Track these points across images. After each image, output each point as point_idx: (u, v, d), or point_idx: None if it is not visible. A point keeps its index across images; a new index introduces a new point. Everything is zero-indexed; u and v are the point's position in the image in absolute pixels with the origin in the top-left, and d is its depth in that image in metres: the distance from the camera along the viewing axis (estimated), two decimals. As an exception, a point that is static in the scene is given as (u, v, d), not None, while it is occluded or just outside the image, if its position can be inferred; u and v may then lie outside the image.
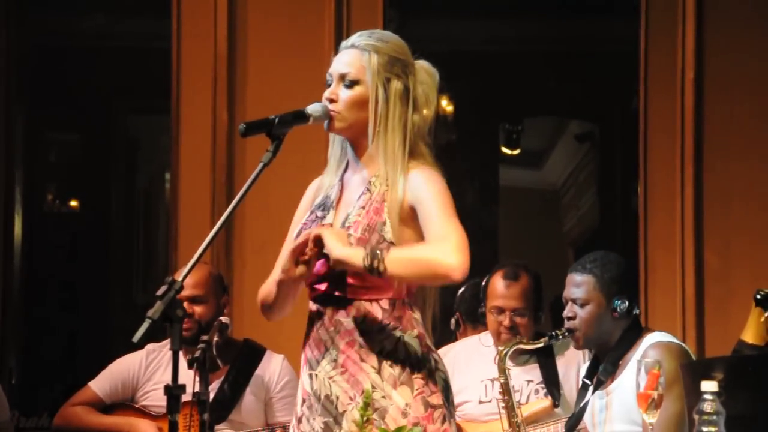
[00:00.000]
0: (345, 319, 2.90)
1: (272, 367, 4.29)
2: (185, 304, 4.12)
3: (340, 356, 2.90)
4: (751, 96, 5.06)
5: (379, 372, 2.88)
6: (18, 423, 4.46)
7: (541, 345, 3.92)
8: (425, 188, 2.87)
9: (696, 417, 2.80)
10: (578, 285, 3.70)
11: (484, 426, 4.20)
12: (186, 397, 2.74)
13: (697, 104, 5.04)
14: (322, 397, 2.91)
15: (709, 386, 2.79)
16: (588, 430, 3.78)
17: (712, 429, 2.77)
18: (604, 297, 3.68)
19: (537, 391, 4.25)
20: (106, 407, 4.27)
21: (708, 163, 5.04)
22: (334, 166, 3.04)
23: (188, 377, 2.97)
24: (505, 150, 7.90)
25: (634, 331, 3.70)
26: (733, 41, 5.07)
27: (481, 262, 4.70)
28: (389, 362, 2.88)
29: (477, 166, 7.52)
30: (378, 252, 2.78)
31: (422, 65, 3.00)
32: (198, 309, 4.14)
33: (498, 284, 4.27)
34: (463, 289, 4.83)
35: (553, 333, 3.78)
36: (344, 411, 2.89)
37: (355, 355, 2.89)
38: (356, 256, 2.79)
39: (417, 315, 2.94)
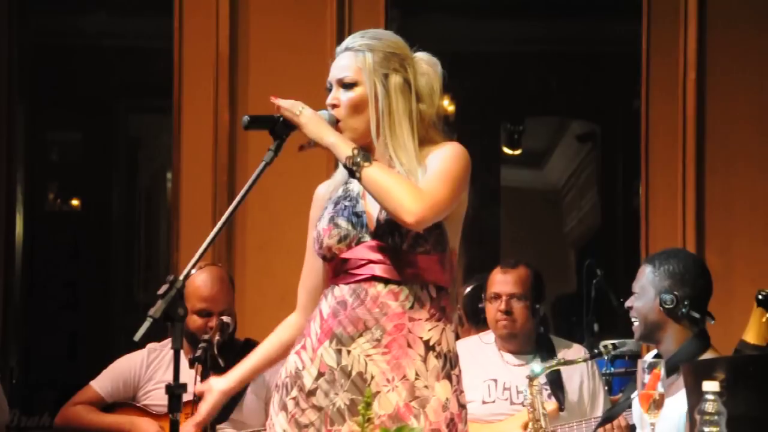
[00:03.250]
0: (393, 302, 2.87)
1: (274, 366, 4.29)
2: (214, 319, 4.12)
3: (385, 337, 2.86)
4: (753, 97, 5.06)
5: (424, 361, 2.86)
6: (19, 422, 4.46)
7: (581, 361, 3.88)
8: (436, 155, 2.88)
9: (697, 417, 2.79)
10: (639, 276, 3.60)
11: (488, 427, 4.19)
12: (187, 396, 2.74)
13: (698, 105, 5.04)
14: (354, 373, 2.85)
15: (710, 386, 2.79)
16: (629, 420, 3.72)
17: (714, 429, 2.76)
18: (654, 289, 3.54)
19: (540, 392, 4.25)
20: (107, 406, 4.27)
21: (709, 163, 5.04)
22: (341, 169, 3.02)
23: (189, 376, 2.98)
24: (506, 150, 7.92)
25: (696, 343, 3.53)
26: (735, 42, 5.07)
27: (483, 263, 4.72)
28: (434, 353, 2.86)
29: (478, 166, 7.51)
30: (363, 159, 2.81)
31: (422, 57, 2.99)
32: (225, 319, 4.12)
33: (496, 273, 4.32)
34: (469, 288, 4.83)
35: (597, 350, 3.72)
36: (378, 392, 2.84)
37: (402, 340, 2.86)
38: (344, 149, 2.83)
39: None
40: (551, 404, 4.15)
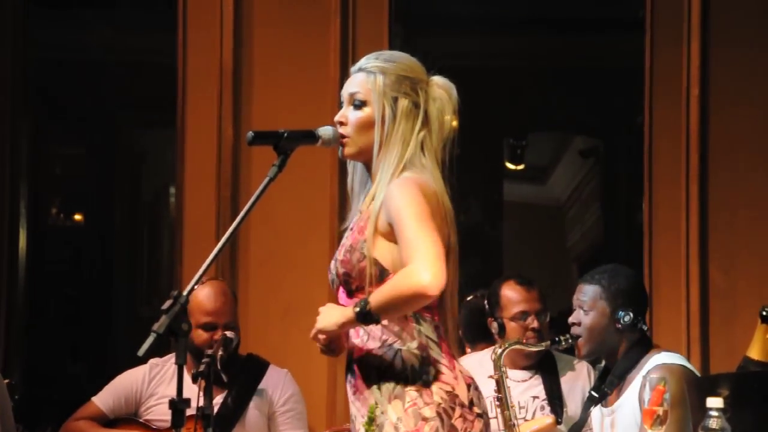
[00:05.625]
0: (356, 339, 2.93)
1: (276, 381, 4.29)
2: (219, 332, 4.11)
3: (352, 378, 2.94)
4: (757, 112, 5.06)
5: (379, 388, 2.89)
6: (22, 436, 4.46)
7: (542, 348, 3.94)
8: (394, 202, 2.86)
9: (702, 433, 2.80)
10: (585, 293, 3.72)
11: None
12: (190, 411, 2.74)
13: (702, 120, 5.04)
14: (353, 419, 2.95)
15: (714, 402, 2.79)
16: None
17: (718, 445, 2.77)
18: (609, 307, 3.68)
19: (543, 408, 4.25)
20: (109, 422, 4.27)
21: (713, 178, 5.04)
22: (357, 192, 3.04)
23: (192, 391, 2.98)
24: (509, 165, 7.91)
25: (641, 347, 3.69)
26: (739, 57, 5.07)
27: (486, 278, 4.71)
28: (386, 377, 2.89)
29: (481, 182, 7.52)
30: (364, 304, 2.82)
31: (437, 81, 3.00)
32: (229, 334, 4.11)
33: (517, 290, 4.30)
34: (467, 306, 4.79)
35: (557, 338, 3.79)
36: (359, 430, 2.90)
37: (365, 375, 2.91)
38: (350, 318, 2.84)
39: (423, 326, 2.92)
40: (548, 418, 4.16)
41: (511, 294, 4.30)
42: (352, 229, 2.95)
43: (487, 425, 2.94)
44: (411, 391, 2.86)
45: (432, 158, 2.95)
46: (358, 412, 2.91)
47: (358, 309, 2.81)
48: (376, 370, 2.89)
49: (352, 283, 2.92)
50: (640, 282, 3.88)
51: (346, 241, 2.94)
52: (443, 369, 2.90)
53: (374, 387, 2.89)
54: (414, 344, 2.89)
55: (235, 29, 5.13)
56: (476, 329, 4.51)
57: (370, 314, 2.81)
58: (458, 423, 2.87)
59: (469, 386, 2.93)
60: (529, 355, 4.26)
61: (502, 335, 4.31)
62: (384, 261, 2.87)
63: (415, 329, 2.90)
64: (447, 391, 2.88)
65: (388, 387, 2.87)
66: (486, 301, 4.40)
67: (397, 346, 2.89)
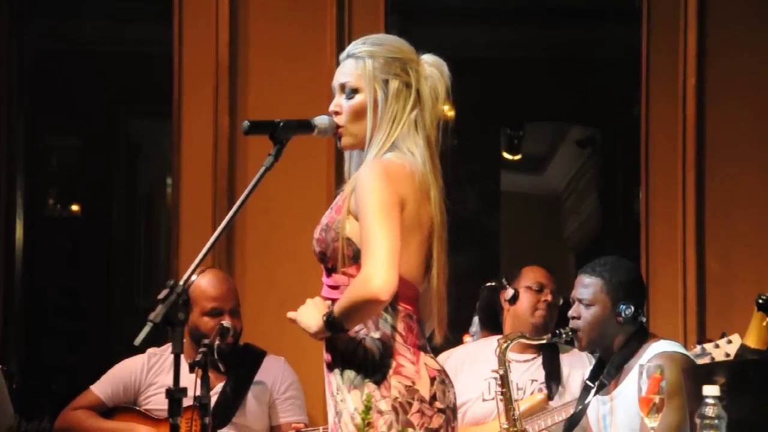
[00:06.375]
0: None
1: (274, 370, 4.30)
2: (227, 318, 4.13)
3: (325, 354, 2.94)
4: (753, 102, 5.06)
5: (342, 374, 2.90)
6: (19, 427, 4.47)
7: (544, 342, 3.96)
8: (358, 191, 2.85)
9: (698, 421, 2.80)
10: (586, 286, 3.72)
11: (483, 427, 4.19)
12: (188, 401, 2.74)
13: (698, 110, 5.04)
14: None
15: (711, 390, 2.79)
16: None
17: (714, 433, 2.77)
18: (610, 301, 3.69)
19: (540, 390, 4.27)
20: (108, 410, 4.27)
21: (709, 168, 5.04)
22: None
23: (190, 381, 2.98)
24: (506, 155, 7.91)
25: (639, 337, 3.70)
26: (735, 47, 5.07)
27: (482, 267, 4.72)
28: (349, 364, 2.89)
29: (478, 172, 7.53)
30: (329, 314, 2.84)
31: (427, 59, 2.98)
32: (226, 324, 4.13)
33: (538, 270, 4.40)
34: (484, 292, 4.82)
35: (558, 331, 3.80)
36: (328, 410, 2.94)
37: (330, 357, 2.92)
38: (319, 323, 2.86)
39: (390, 316, 2.89)
40: (539, 395, 4.18)
41: (531, 271, 4.41)
42: (331, 208, 2.94)
43: (448, 420, 2.90)
44: (369, 383, 2.86)
45: (424, 137, 2.93)
46: (328, 389, 2.93)
47: (326, 318, 2.84)
48: (340, 354, 2.90)
49: (328, 262, 2.91)
50: (639, 274, 3.89)
51: (324, 219, 2.93)
52: (404, 362, 2.88)
53: (337, 371, 2.90)
54: (377, 334, 2.88)
55: (231, 20, 5.13)
56: (489, 315, 4.56)
57: (335, 323, 2.83)
58: (415, 418, 2.85)
59: (433, 380, 2.89)
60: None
61: (513, 302, 4.34)
62: (358, 241, 2.85)
63: (381, 319, 2.88)
64: (406, 386, 2.86)
65: (349, 375, 2.88)
66: (504, 279, 4.44)
67: (362, 334, 2.88)
